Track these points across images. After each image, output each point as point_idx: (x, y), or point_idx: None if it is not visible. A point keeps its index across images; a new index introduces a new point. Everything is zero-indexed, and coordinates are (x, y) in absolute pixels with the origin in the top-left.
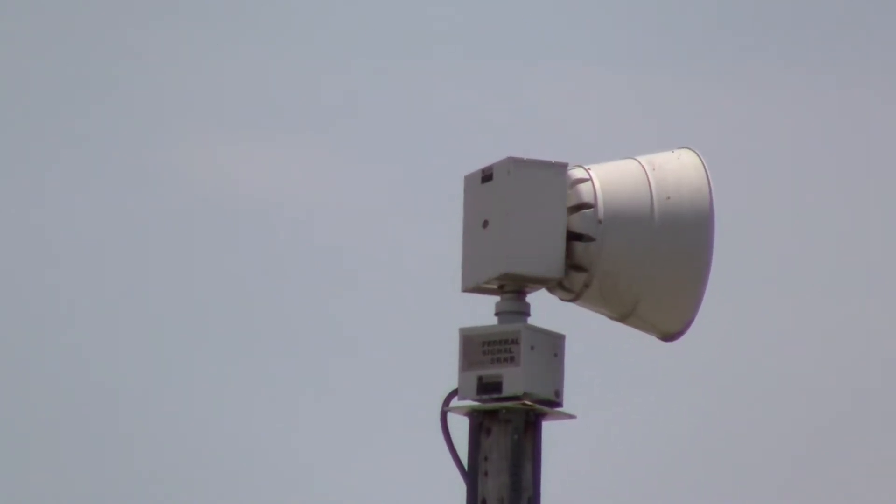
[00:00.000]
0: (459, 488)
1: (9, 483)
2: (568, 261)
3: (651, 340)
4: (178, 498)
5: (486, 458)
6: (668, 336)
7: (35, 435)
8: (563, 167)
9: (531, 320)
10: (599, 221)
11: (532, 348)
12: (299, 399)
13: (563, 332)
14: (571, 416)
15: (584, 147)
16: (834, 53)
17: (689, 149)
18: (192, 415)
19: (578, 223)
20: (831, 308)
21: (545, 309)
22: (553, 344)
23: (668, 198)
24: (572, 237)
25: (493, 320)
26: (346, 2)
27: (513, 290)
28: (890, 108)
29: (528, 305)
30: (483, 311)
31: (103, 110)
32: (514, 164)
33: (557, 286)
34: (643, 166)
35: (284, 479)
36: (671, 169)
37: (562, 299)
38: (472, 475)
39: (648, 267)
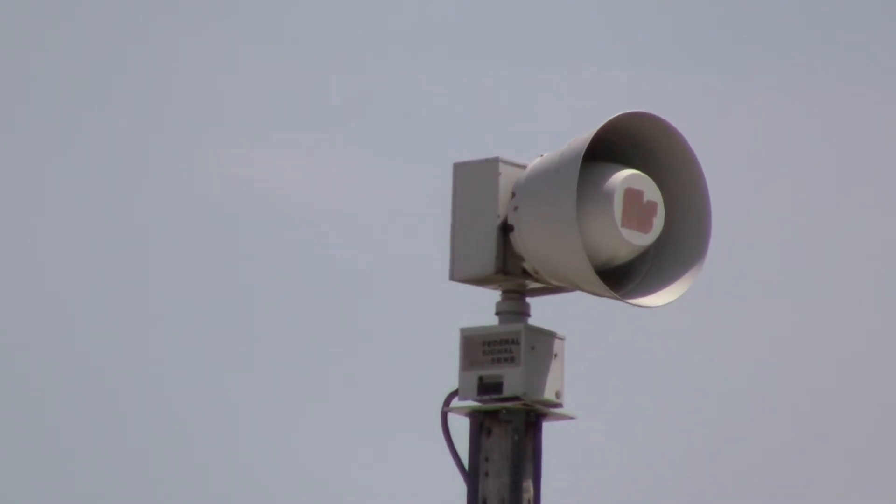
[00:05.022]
0: (460, 489)
1: (9, 483)
2: (513, 253)
3: (650, 341)
4: (178, 498)
5: (486, 459)
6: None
7: (37, 436)
8: (493, 162)
9: (531, 320)
10: (515, 208)
11: (532, 349)
12: (300, 399)
13: (563, 332)
14: (572, 417)
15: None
16: (834, 53)
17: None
18: (193, 415)
19: (508, 214)
20: (831, 308)
21: (545, 309)
22: (553, 344)
23: (558, 171)
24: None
25: (494, 320)
26: (350, 1)
27: (512, 290)
28: (890, 109)
29: (528, 306)
30: (484, 312)
31: (116, 113)
32: (454, 168)
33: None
34: (571, 141)
35: (284, 479)
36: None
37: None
38: (472, 476)
39: (549, 241)
